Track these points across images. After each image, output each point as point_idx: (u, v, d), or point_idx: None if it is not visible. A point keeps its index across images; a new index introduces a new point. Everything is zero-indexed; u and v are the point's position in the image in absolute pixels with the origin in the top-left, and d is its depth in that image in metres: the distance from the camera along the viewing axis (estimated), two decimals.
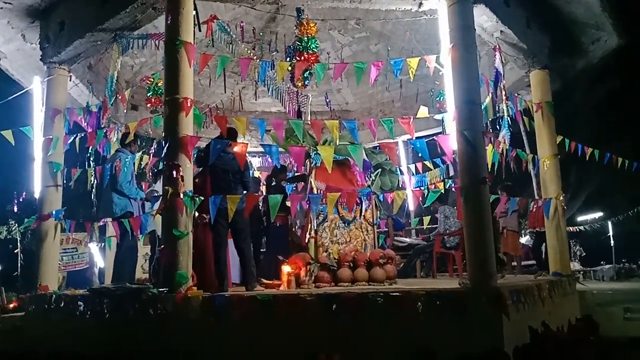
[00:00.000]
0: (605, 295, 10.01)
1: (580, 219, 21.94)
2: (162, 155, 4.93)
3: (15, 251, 12.14)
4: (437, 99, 8.27)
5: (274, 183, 7.25)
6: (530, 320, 4.46)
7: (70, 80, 6.73)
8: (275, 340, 4.12)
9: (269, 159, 9.13)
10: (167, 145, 4.86)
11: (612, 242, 20.20)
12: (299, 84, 6.54)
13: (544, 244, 6.92)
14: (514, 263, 7.83)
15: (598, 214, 22.51)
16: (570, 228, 14.19)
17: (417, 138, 5.53)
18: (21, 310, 6.80)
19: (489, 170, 5.57)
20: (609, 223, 20.30)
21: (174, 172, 4.75)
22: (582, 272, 16.15)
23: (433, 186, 8.49)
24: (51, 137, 6.30)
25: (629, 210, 18.55)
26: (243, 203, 5.07)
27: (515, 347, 4.00)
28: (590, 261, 18.98)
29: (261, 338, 4.17)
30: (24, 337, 5.80)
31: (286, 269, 5.51)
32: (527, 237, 9.78)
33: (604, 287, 13.30)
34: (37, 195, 6.36)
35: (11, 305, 8.60)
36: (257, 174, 9.68)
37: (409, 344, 3.92)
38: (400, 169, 9.12)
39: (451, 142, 5.12)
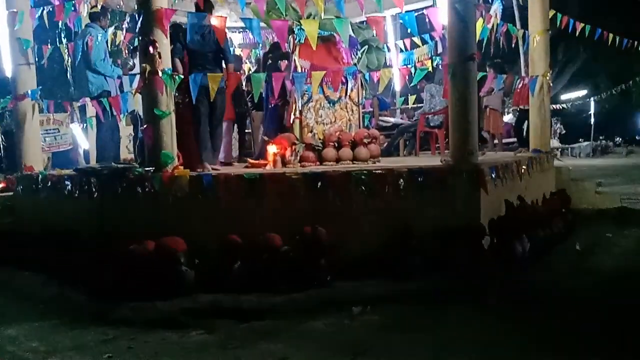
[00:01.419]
0: (581, 170, 10.44)
1: (564, 97, 22.04)
2: (136, 30, 4.66)
3: None
4: None
5: (269, 62, 7.00)
6: (508, 195, 4.66)
7: None
8: (262, 217, 4.27)
9: (250, 35, 8.70)
10: (140, 19, 4.57)
11: (592, 120, 20.55)
12: None
13: (526, 121, 6.98)
14: (496, 141, 7.97)
15: (582, 92, 22.59)
16: (553, 106, 14.27)
17: (406, 12, 5.26)
18: (9, 190, 6.86)
19: (479, 46, 5.42)
20: (592, 101, 20.47)
21: (150, 49, 4.53)
22: (560, 149, 16.64)
23: (420, 64, 8.28)
24: (15, 10, 5.86)
25: (612, 89, 18.63)
26: (224, 82, 4.93)
27: (490, 219, 4.22)
28: (569, 139, 19.46)
29: (248, 215, 4.30)
30: (14, 216, 5.93)
31: (272, 149, 5.54)
32: (510, 115, 9.83)
33: (581, 163, 13.83)
34: (8, 74, 6.09)
35: None
36: (237, 51, 9.30)
37: (390, 219, 4.10)
38: (387, 46, 8.82)
39: (441, 16, 4.89)
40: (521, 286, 3.72)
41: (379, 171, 4.36)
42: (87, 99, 5.91)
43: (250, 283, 3.73)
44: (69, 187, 5.18)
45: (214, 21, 5.03)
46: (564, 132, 18.05)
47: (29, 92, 5.93)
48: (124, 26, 6.21)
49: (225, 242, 3.96)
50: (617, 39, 8.07)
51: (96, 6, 5.67)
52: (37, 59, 6.11)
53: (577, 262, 4.39)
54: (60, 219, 5.06)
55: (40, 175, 5.59)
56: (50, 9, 6.02)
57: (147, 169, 4.64)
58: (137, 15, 4.67)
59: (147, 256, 3.85)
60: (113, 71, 5.83)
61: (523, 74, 7.79)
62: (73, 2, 5.93)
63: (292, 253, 3.89)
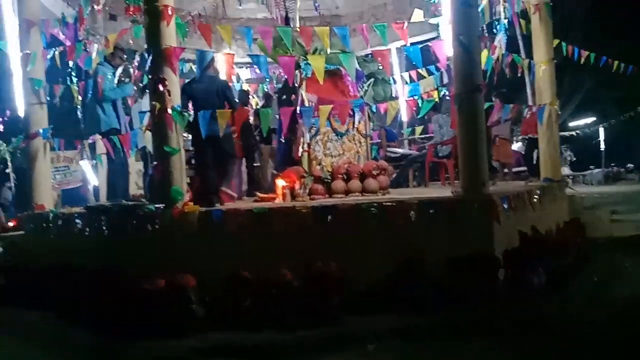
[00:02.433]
0: (593, 198, 10.32)
1: (572, 124, 22.03)
2: (146, 68, 4.77)
3: (7, 171, 12.10)
4: (432, 1, 7.90)
5: (284, 97, 7.12)
6: (521, 225, 4.61)
7: None
8: (273, 252, 4.25)
9: (257, 70, 8.87)
10: (150, 57, 4.68)
11: (602, 146, 20.46)
12: None
13: (535, 150, 6.97)
14: (506, 170, 7.95)
15: (590, 119, 22.59)
16: (562, 133, 14.26)
17: (411, 44, 5.36)
18: (20, 229, 6.89)
19: (484, 77, 5.47)
20: (600, 128, 20.43)
21: (160, 86, 4.62)
22: (571, 177, 16.52)
23: (427, 95, 8.36)
24: (28, 51, 6.03)
25: (619, 115, 18.62)
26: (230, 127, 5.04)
27: (504, 250, 4.16)
28: (580, 166, 19.34)
29: (258, 250, 4.29)
30: (25, 254, 5.94)
31: (280, 182, 5.56)
32: (520, 143, 9.83)
33: (593, 190, 13.67)
34: (21, 113, 6.22)
35: (10, 224, 8.72)
36: (245, 86, 9.46)
37: (401, 251, 4.06)
38: (393, 78, 8.93)
39: (446, 48, 4.97)
40: (539, 319, 3.64)
41: (389, 203, 4.35)
42: (97, 136, 6.01)
43: (261, 320, 3.68)
44: (79, 225, 5.20)
45: (221, 58, 5.15)
46: (574, 159, 17.95)
47: (41, 130, 6.04)
48: (134, 64, 6.34)
49: (235, 278, 3.93)
50: (622, 66, 8.13)
51: (108, 46, 5.81)
52: (48, 98, 6.25)
53: (594, 293, 4.29)
54: (71, 257, 5.05)
55: (50, 214, 5.63)
56: (62, 49, 6.20)
57: (157, 205, 4.66)
58: (146, 54, 4.78)
59: (157, 294, 3.83)
60: (123, 92, 5.93)
61: (530, 102, 7.82)
62: (84, 42, 6.10)
63: (303, 288, 3.85)
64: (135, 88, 6.18)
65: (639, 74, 8.53)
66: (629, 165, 22.62)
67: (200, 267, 4.12)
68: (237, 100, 5.53)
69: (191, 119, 5.04)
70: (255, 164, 7.33)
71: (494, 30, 6.89)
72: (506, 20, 6.45)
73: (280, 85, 7.66)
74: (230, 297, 3.87)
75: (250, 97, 8.72)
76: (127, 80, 6.20)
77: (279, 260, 4.06)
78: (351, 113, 6.11)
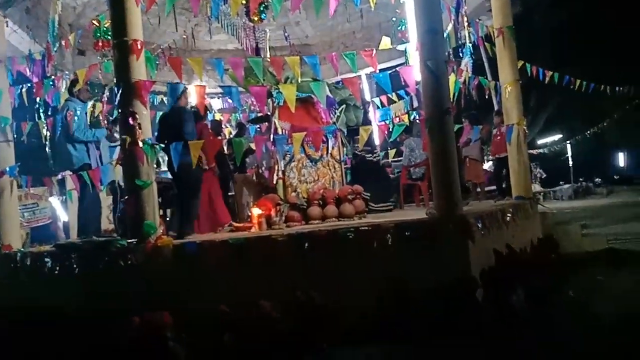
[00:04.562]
0: (565, 214, 10.55)
1: (540, 141, 22.64)
2: (116, 102, 4.74)
3: None
4: (399, 28, 8.11)
5: (258, 127, 7.13)
6: (495, 244, 4.67)
7: (7, 26, 6.27)
8: (251, 283, 4.19)
9: (229, 100, 8.90)
10: (120, 91, 4.66)
11: (570, 162, 21.03)
12: (255, 18, 6.28)
13: (504, 169, 7.11)
14: (478, 190, 8.08)
15: (557, 136, 23.25)
16: (531, 151, 14.62)
17: (380, 70, 5.46)
18: None
19: (452, 100, 5.59)
20: (568, 144, 21.04)
21: (130, 120, 4.59)
22: (542, 194, 16.88)
23: (398, 119, 8.50)
24: None
25: (586, 131, 19.23)
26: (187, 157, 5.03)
27: (481, 270, 4.19)
28: (550, 182, 19.79)
29: (236, 282, 4.22)
30: None
31: (256, 211, 5.53)
32: (490, 163, 10.04)
33: (563, 206, 13.99)
34: None
35: None
36: (218, 116, 9.47)
37: (381, 276, 4.04)
38: (364, 104, 9.07)
39: (414, 73, 5.08)
40: (525, 341, 3.63)
41: (366, 227, 4.36)
42: (68, 172, 5.90)
43: (243, 356, 3.60)
44: (49, 264, 5.04)
45: (193, 89, 5.16)
46: (544, 176, 18.39)
47: (7, 168, 5.90)
48: (103, 99, 6.29)
49: (213, 313, 3.85)
50: (584, 84, 8.44)
51: (77, 80, 5.76)
52: (15, 136, 6.14)
53: (575, 309, 4.33)
54: (41, 297, 4.88)
55: (18, 254, 5.45)
56: (29, 86, 6.12)
57: (129, 240, 4.57)
58: (116, 88, 4.75)
59: (133, 333, 3.72)
60: (94, 135, 5.86)
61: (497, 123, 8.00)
62: (52, 78, 6.04)
63: (285, 321, 3.79)
64: (108, 132, 6.11)
65: (601, 91, 8.87)
66: (596, 179, 23.26)
67: (177, 303, 4.02)
68: (190, 130, 5.46)
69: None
70: (230, 193, 7.30)
71: (460, 54, 7.09)
72: (471, 44, 6.65)
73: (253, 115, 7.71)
74: (209, 333, 3.77)
75: (223, 126, 8.73)
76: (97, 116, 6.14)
77: (258, 292, 4.00)
78: (324, 139, 6.16)
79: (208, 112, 7.57)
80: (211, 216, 6.08)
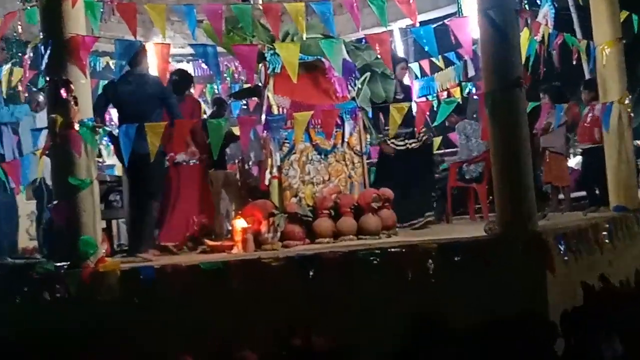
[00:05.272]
0: None
1: None
2: (42, 66, 4.79)
3: None
4: None
5: (244, 103, 7.24)
6: (584, 274, 4.67)
7: None
8: (230, 324, 4.23)
9: (203, 65, 8.94)
10: (48, 51, 4.71)
11: None
12: None
13: (596, 167, 7.07)
14: (561, 196, 8.05)
15: None
16: (638, 142, 14.51)
17: (421, 24, 5.47)
18: None
19: (526, 66, 5.59)
20: None
21: (63, 92, 4.63)
22: None
23: (446, 94, 8.50)
24: None
25: None
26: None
27: (563, 311, 4.19)
28: None
29: (209, 321, 4.27)
30: None
31: (239, 223, 5.56)
32: (578, 158, 10.00)
33: None
34: None
35: None
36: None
37: (415, 315, 4.06)
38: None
39: (471, 28, 5.09)
40: None
41: (397, 249, 4.38)
42: None
43: None
44: None
45: (152, 49, 5.20)
46: None
47: None
48: (24, 63, 6.37)
49: None
50: None
51: None
52: None
53: None
54: None
55: None
56: None
57: (58, 264, 4.61)
58: (42, 47, 4.80)
59: None
60: (11, 114, 5.93)
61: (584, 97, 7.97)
62: None
63: None
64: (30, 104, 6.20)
65: None
66: None
67: (126, 350, 4.07)
68: (177, 109, 5.56)
69: (116, 132, 5.06)
70: None
71: (537, 2, 7.09)
72: None
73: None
74: None
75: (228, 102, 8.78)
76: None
77: (239, 337, 4.04)
78: (339, 122, 6.17)
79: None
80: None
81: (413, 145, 7.00)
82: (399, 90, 7.06)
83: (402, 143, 6.97)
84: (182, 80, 6.35)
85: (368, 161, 6.89)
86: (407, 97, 7.13)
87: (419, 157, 7.12)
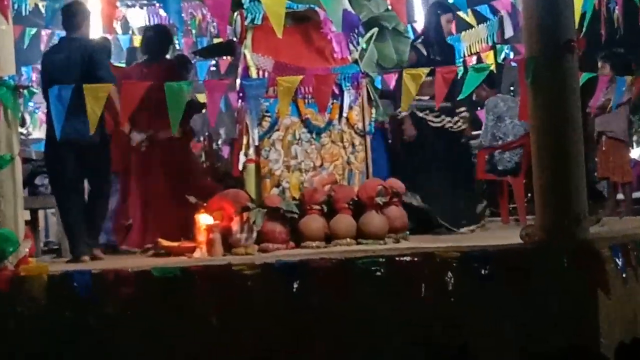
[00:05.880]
0: None
1: None
2: None
3: None
4: None
5: (213, 63, 7.25)
6: None
7: None
8: (190, 346, 4.27)
9: (161, 13, 8.93)
10: None
11: None
12: None
13: None
14: (620, 196, 8.11)
15: None
16: None
17: None
18: None
19: (579, 28, 5.61)
20: None
21: None
22: None
23: (475, 59, 8.52)
24: None
25: None
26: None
27: (619, 344, 4.23)
28: None
29: (161, 343, 4.30)
30: None
31: (204, 219, 5.57)
32: None
33: None
34: None
35: None
36: (138, 40, 9.50)
37: (429, 337, 4.16)
38: (413, 28, 9.09)
39: None
40: None
41: (407, 258, 4.40)
42: None
43: None
44: None
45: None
46: None
47: None
48: None
49: None
50: None
51: None
52: None
53: None
54: None
55: None
56: None
57: None
58: None
59: None
60: None
61: None
62: None
63: None
64: None
65: None
66: None
67: None
68: (106, 73, 5.60)
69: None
70: None
71: None
72: None
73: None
74: None
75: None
76: None
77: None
78: (336, 91, 6.19)
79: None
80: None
81: (456, 125, 7.06)
82: (437, 50, 7.08)
83: (438, 119, 6.97)
84: (158, 37, 6.38)
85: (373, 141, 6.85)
86: (447, 60, 7.14)
87: (455, 141, 7.26)
